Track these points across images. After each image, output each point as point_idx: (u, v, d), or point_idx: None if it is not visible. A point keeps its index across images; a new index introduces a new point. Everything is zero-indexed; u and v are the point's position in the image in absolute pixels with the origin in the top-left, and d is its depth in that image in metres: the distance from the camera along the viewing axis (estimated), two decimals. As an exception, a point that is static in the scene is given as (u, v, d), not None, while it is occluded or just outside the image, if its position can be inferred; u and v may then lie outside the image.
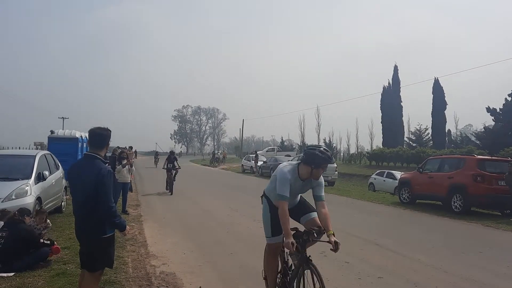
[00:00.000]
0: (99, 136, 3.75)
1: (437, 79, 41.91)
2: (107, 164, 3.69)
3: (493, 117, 32.40)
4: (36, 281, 4.81)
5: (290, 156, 33.36)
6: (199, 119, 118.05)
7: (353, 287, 5.20)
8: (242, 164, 35.16)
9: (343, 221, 10.68)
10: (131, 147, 20.74)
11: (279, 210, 3.81)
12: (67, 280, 4.84)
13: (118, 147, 16.08)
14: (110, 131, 3.85)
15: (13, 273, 5.02)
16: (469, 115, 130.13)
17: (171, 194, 15.07)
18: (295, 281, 3.85)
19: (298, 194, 4.21)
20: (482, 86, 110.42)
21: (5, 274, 4.98)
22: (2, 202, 7.06)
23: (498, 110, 31.62)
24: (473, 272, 5.96)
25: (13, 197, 7.29)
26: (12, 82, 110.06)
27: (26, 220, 5.84)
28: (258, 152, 36.78)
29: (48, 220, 6.68)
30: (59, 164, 10.44)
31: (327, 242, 3.70)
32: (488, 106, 32.27)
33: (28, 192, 7.60)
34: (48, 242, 5.72)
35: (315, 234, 3.78)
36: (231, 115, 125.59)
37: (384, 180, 22.39)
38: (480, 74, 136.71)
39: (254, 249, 7.11)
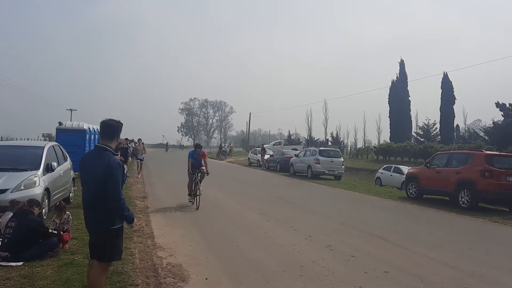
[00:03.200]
0: (111, 127, 3.75)
1: (446, 73, 41.56)
2: (118, 155, 3.70)
3: (502, 112, 32.10)
4: (44, 271, 4.88)
5: (297, 150, 33.23)
6: (206, 112, 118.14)
7: (359, 281, 5.20)
8: (249, 158, 35.12)
9: (349, 215, 10.70)
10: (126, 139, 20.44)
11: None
12: (75, 270, 4.89)
13: (127, 139, 16.14)
14: (122, 124, 3.86)
15: (21, 263, 5.09)
16: (478, 110, 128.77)
17: None
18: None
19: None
20: (492, 81, 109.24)
21: (14, 264, 5.05)
22: (11, 192, 7.12)
23: (507, 105, 31.29)
24: (480, 268, 5.93)
25: (22, 187, 7.34)
26: (20, 75, 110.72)
27: (35, 210, 5.91)
28: (265, 145, 36.79)
29: (68, 212, 6.69)
30: (67, 156, 10.51)
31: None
32: (498, 101, 31.98)
33: (37, 183, 7.64)
34: (55, 232, 5.79)
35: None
36: (238, 108, 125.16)
37: (391, 175, 22.26)
38: (489, 69, 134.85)
39: (260, 242, 7.15)
